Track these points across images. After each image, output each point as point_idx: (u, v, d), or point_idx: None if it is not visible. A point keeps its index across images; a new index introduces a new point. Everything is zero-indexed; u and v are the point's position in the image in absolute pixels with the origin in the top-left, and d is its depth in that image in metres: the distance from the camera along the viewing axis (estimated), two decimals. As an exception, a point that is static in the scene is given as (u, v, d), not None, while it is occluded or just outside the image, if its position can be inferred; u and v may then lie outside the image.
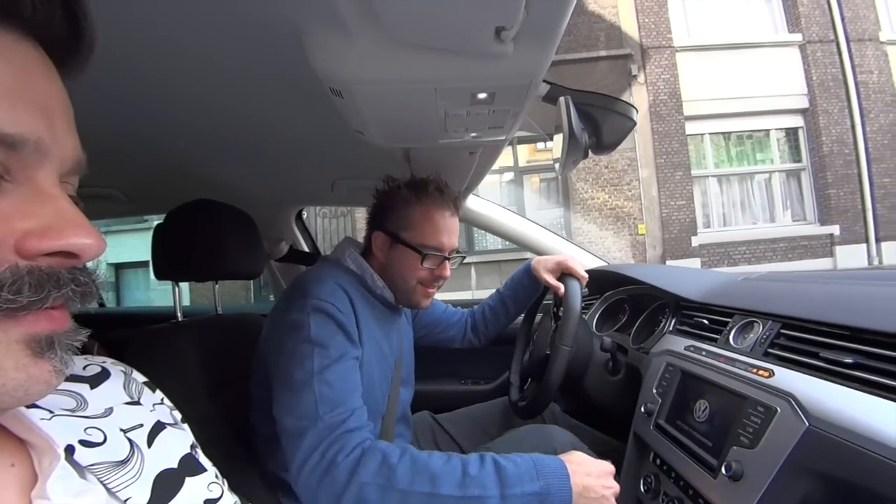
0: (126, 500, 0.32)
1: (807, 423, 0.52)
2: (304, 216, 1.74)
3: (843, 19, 6.73)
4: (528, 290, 1.17)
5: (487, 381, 1.48)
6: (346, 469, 0.66)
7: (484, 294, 1.30)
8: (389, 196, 0.93)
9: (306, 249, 1.72)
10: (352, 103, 0.67)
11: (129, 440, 0.36)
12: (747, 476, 0.56)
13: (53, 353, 0.27)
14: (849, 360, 0.54)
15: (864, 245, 6.62)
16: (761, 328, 0.69)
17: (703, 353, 0.75)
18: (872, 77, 6.75)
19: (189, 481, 0.38)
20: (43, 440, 0.30)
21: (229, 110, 0.80)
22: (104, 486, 0.32)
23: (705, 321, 0.82)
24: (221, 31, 0.57)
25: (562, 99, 0.69)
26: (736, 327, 0.74)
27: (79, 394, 0.36)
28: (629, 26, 6.83)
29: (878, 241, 6.61)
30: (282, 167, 1.13)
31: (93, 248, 0.28)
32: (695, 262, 6.59)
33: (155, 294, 7.93)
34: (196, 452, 0.42)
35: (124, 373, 0.42)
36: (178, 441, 0.40)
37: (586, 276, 1.05)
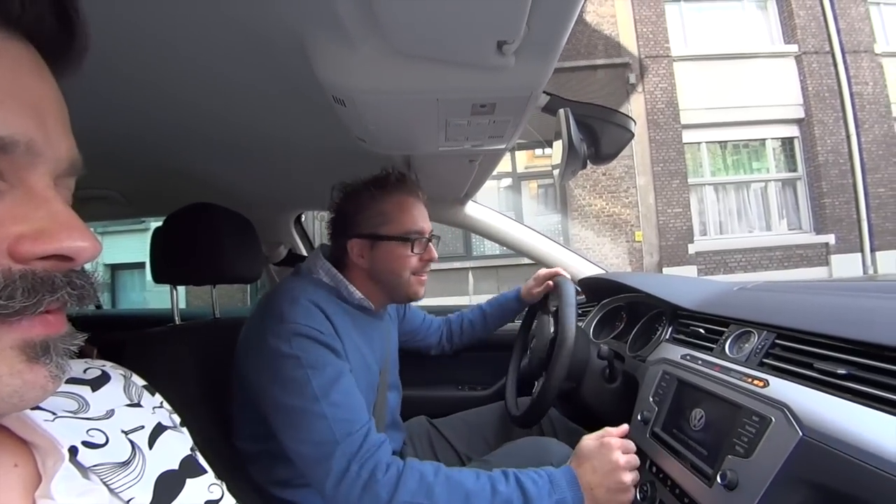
0: (129, 501, 0.33)
1: (800, 433, 0.52)
2: (303, 220, 1.75)
3: (838, 31, 6.80)
4: (512, 311, 1.25)
5: (484, 386, 1.48)
6: (387, 487, 0.68)
7: (481, 300, 1.31)
8: (353, 200, 0.90)
9: (305, 253, 1.72)
10: (354, 112, 0.67)
11: (131, 441, 0.36)
12: (742, 485, 0.56)
13: (49, 359, 0.27)
14: (842, 372, 0.54)
15: (859, 254, 6.67)
16: (756, 338, 0.70)
17: (699, 362, 0.75)
18: (867, 88, 6.82)
19: (190, 482, 0.38)
20: (46, 441, 0.31)
21: (230, 115, 0.80)
22: (107, 486, 0.32)
23: (701, 330, 0.82)
24: (224, 37, 0.57)
25: (561, 111, 0.70)
26: (731, 337, 0.74)
27: (80, 396, 0.36)
28: (627, 36, 6.89)
29: (872, 250, 6.65)
30: (282, 172, 1.13)
31: (88, 251, 0.28)
32: (691, 270, 6.62)
33: (151, 295, 7.88)
34: (196, 454, 0.42)
35: (124, 376, 0.42)
36: (179, 443, 0.41)
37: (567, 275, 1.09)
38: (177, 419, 0.44)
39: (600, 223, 6.79)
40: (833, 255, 6.65)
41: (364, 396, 0.81)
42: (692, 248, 6.71)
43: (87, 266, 0.30)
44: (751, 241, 6.82)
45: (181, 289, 1.06)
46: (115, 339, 0.99)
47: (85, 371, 0.39)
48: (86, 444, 0.33)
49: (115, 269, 8.45)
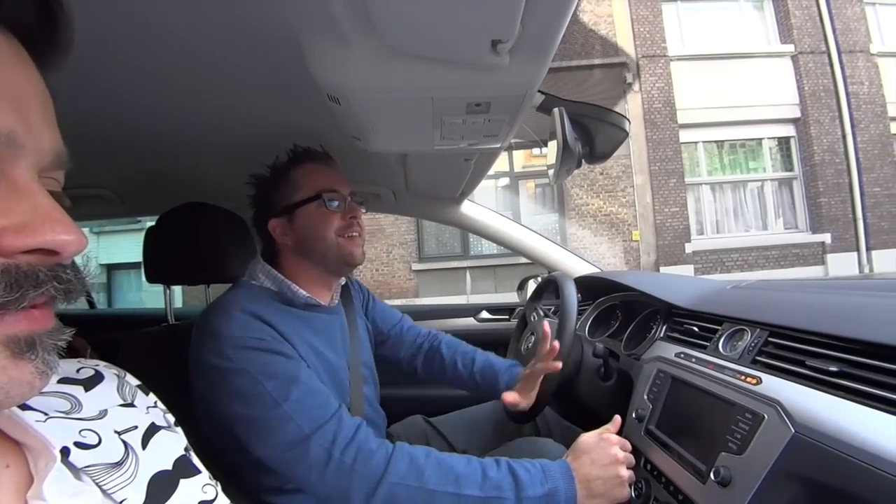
0: (121, 502, 0.32)
1: (793, 430, 0.53)
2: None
3: (834, 31, 6.83)
4: (496, 391, 1.01)
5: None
6: (376, 469, 0.68)
7: (478, 299, 1.30)
8: (264, 185, 0.90)
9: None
10: (349, 110, 0.67)
11: (124, 442, 0.36)
12: (735, 481, 0.57)
13: (35, 354, 0.26)
14: (834, 369, 0.55)
15: (854, 253, 6.70)
16: (749, 336, 0.70)
17: (693, 359, 0.76)
18: (863, 88, 6.85)
19: (184, 483, 0.38)
20: (38, 442, 0.30)
21: (224, 113, 0.80)
22: (99, 487, 0.32)
23: (695, 328, 0.83)
24: (219, 35, 0.57)
25: (556, 110, 0.71)
26: (725, 335, 0.75)
27: (73, 396, 0.36)
28: (624, 35, 6.91)
29: (868, 249, 6.69)
30: None
31: (72, 245, 0.27)
32: (688, 269, 6.64)
33: (147, 295, 7.86)
34: (190, 454, 0.42)
35: (118, 376, 0.42)
36: (173, 443, 0.41)
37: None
38: (171, 419, 0.44)
39: (597, 222, 6.81)
40: (829, 255, 6.68)
41: (334, 395, 0.79)
42: (689, 248, 6.73)
43: (79, 261, 0.30)
44: (747, 240, 6.85)
45: (177, 288, 1.06)
46: (110, 338, 0.99)
47: (78, 371, 0.39)
48: (78, 444, 0.33)
49: (111, 268, 8.40)
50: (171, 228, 0.97)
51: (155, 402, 0.44)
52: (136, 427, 0.38)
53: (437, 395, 1.42)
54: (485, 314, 1.64)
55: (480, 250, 6.82)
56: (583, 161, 0.75)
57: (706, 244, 6.83)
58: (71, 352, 0.32)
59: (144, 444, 0.37)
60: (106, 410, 0.37)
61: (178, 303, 6.01)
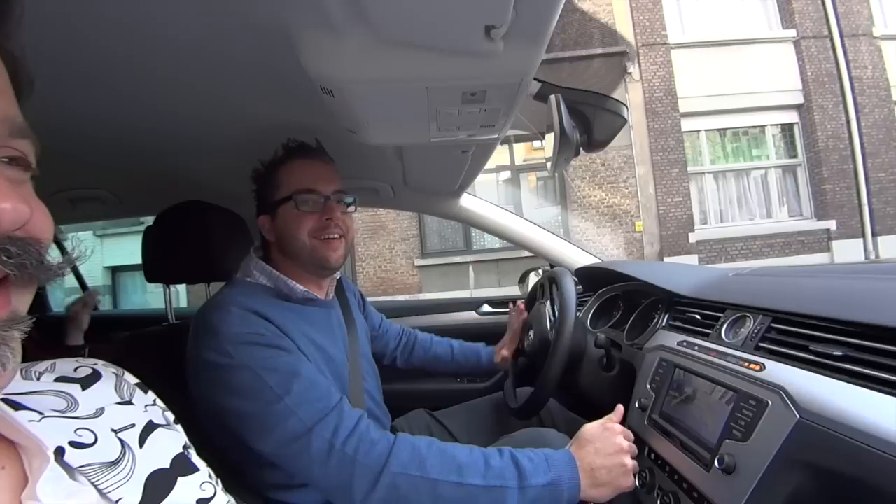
0: (118, 501, 0.32)
1: (797, 416, 0.52)
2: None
3: (836, 15, 6.75)
4: (479, 366, 1.23)
5: (483, 378, 1.48)
6: (379, 459, 0.67)
7: (482, 293, 1.31)
8: (258, 180, 0.90)
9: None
10: (343, 102, 0.67)
11: (121, 440, 0.36)
12: (740, 469, 0.56)
13: None
14: (838, 353, 0.54)
15: (860, 239, 6.65)
16: (752, 322, 0.69)
17: (696, 348, 0.75)
18: (867, 72, 6.77)
19: (181, 481, 0.38)
20: (32, 442, 0.30)
21: (219, 110, 0.80)
22: (95, 487, 0.32)
23: (697, 316, 0.82)
24: (211, 31, 0.57)
25: (552, 97, 0.70)
26: (727, 322, 0.74)
27: (70, 394, 0.36)
28: (624, 23, 6.84)
29: (874, 235, 6.64)
30: None
31: (8, 214, 0.25)
32: (692, 259, 6.61)
33: (152, 297, 7.90)
34: (189, 452, 0.42)
35: (116, 374, 0.42)
36: (171, 441, 0.40)
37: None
38: (170, 416, 0.44)
39: (600, 214, 6.78)
40: (834, 241, 6.64)
41: (335, 387, 0.79)
42: (693, 237, 6.70)
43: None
44: (751, 228, 6.81)
45: (181, 288, 1.06)
46: (111, 338, 0.99)
47: (76, 370, 0.39)
48: (73, 444, 0.32)
49: (115, 271, 8.45)
50: (169, 227, 0.97)
51: (154, 401, 0.44)
52: (133, 425, 0.38)
53: (441, 388, 1.43)
54: (486, 308, 1.63)
55: (483, 244, 6.82)
56: (581, 149, 0.75)
57: (710, 233, 6.80)
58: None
59: (142, 442, 0.37)
60: (103, 408, 0.37)
61: (182, 302, 6.09)
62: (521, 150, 6.99)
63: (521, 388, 1.13)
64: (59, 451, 0.31)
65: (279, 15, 0.53)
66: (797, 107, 6.87)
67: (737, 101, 6.79)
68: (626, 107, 0.76)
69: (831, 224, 6.65)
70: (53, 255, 0.29)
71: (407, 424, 1.13)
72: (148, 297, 7.93)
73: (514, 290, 1.70)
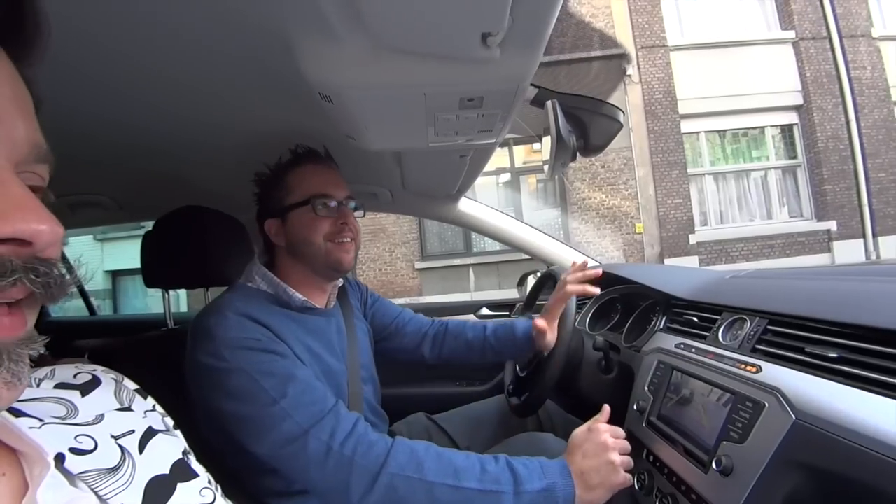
0: None
1: (793, 417, 0.53)
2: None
3: (835, 16, 6.76)
4: (517, 347, 1.05)
5: (482, 381, 1.48)
6: (376, 460, 0.68)
7: (482, 295, 1.31)
8: (263, 184, 0.90)
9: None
10: (342, 108, 0.67)
11: (120, 447, 0.36)
12: (737, 470, 0.57)
13: (0, 365, 0.25)
14: (833, 355, 0.55)
15: (861, 240, 6.64)
16: (749, 325, 0.70)
17: (693, 350, 0.76)
18: (866, 73, 6.77)
19: (181, 487, 0.38)
20: (32, 449, 0.30)
21: (218, 116, 0.80)
22: (95, 493, 0.32)
23: (695, 319, 0.83)
24: (210, 36, 0.57)
25: (549, 103, 0.70)
26: (724, 324, 0.75)
27: (69, 401, 0.36)
28: (623, 26, 6.86)
29: (874, 235, 6.63)
30: None
31: (46, 234, 0.26)
32: (693, 261, 6.60)
33: (153, 301, 7.91)
34: (188, 458, 0.42)
35: (115, 380, 0.42)
36: (171, 447, 0.40)
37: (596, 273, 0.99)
38: (170, 422, 0.44)
39: (600, 216, 6.78)
40: (835, 242, 6.63)
41: (331, 392, 0.79)
42: (693, 239, 6.70)
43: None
44: (752, 229, 6.80)
45: (182, 293, 1.06)
46: (109, 344, 1.00)
47: (75, 376, 0.39)
48: (73, 450, 0.33)
49: (115, 275, 8.45)
50: (168, 232, 0.98)
51: (153, 406, 0.44)
52: (132, 431, 0.38)
53: (439, 392, 1.43)
54: (485, 311, 1.64)
55: (483, 247, 6.82)
56: (577, 154, 0.75)
57: (710, 235, 6.79)
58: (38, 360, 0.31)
59: (141, 448, 0.37)
60: (102, 415, 0.37)
61: (183, 307, 6.09)
62: (520, 152, 7.00)
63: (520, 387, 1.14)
64: (60, 458, 0.31)
65: (279, 21, 0.53)
66: (797, 108, 6.87)
67: (736, 103, 6.79)
68: (623, 112, 0.76)
69: (832, 225, 6.64)
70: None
71: (406, 428, 1.13)
72: (149, 301, 7.94)
73: (514, 293, 1.70)
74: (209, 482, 0.42)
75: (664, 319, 0.91)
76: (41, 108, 0.31)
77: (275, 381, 0.71)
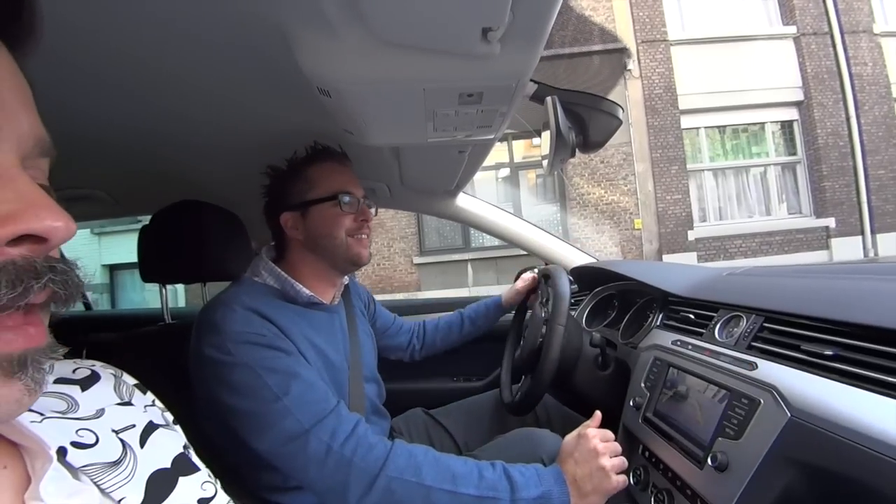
0: (120, 501, 0.33)
1: (789, 414, 0.53)
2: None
3: (836, 11, 6.72)
4: (489, 318, 1.28)
5: (479, 377, 1.49)
6: (375, 462, 0.68)
7: (481, 291, 1.32)
8: (280, 178, 0.91)
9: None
10: (340, 103, 0.67)
11: (122, 441, 0.36)
12: (732, 466, 0.57)
13: (25, 373, 0.26)
14: (829, 352, 0.55)
15: (859, 237, 6.65)
16: (745, 322, 0.70)
17: (690, 347, 0.76)
18: (867, 69, 6.75)
19: (183, 481, 0.38)
20: (34, 443, 0.30)
21: (216, 110, 0.80)
22: (97, 486, 0.32)
23: (691, 316, 0.83)
24: (207, 29, 0.57)
25: (549, 99, 0.70)
26: (721, 321, 0.75)
27: (69, 396, 0.36)
28: (623, 20, 6.82)
29: (873, 232, 6.64)
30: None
31: (61, 231, 0.26)
32: (691, 257, 6.61)
33: (150, 295, 7.90)
34: (189, 452, 0.42)
35: (114, 375, 0.42)
36: (171, 441, 0.41)
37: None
38: (169, 417, 0.44)
39: (599, 212, 6.78)
40: (833, 239, 6.64)
41: (332, 391, 0.80)
42: (692, 235, 6.70)
43: (86, 267, 0.29)
44: (751, 226, 6.80)
45: (180, 288, 1.06)
46: (107, 339, 1.00)
47: (74, 371, 0.39)
48: (75, 444, 0.33)
49: (113, 269, 8.42)
50: (165, 227, 0.97)
51: (153, 401, 0.44)
52: (133, 426, 0.38)
53: (437, 387, 1.43)
54: None
55: (482, 242, 6.81)
56: (577, 150, 0.75)
57: (709, 231, 6.79)
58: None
59: (142, 442, 0.37)
60: (103, 409, 0.37)
61: (181, 302, 6.08)
62: (520, 147, 6.97)
63: (516, 385, 1.14)
64: (62, 451, 0.31)
65: (276, 15, 0.53)
66: (797, 104, 6.85)
67: (736, 99, 6.77)
68: (622, 108, 0.76)
69: (830, 222, 6.64)
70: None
71: (405, 424, 1.14)
72: (147, 295, 7.94)
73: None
74: (209, 476, 0.42)
75: (661, 316, 0.92)
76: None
77: (278, 378, 0.71)
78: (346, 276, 0.98)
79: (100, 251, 8.10)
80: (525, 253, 1.54)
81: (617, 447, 0.75)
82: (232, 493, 0.45)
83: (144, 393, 0.44)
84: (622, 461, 0.74)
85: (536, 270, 1.25)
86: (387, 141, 0.87)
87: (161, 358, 0.87)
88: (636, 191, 6.77)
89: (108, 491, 0.32)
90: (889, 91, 6.75)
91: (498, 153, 6.87)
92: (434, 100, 0.68)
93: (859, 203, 6.65)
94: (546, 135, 0.74)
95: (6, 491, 0.29)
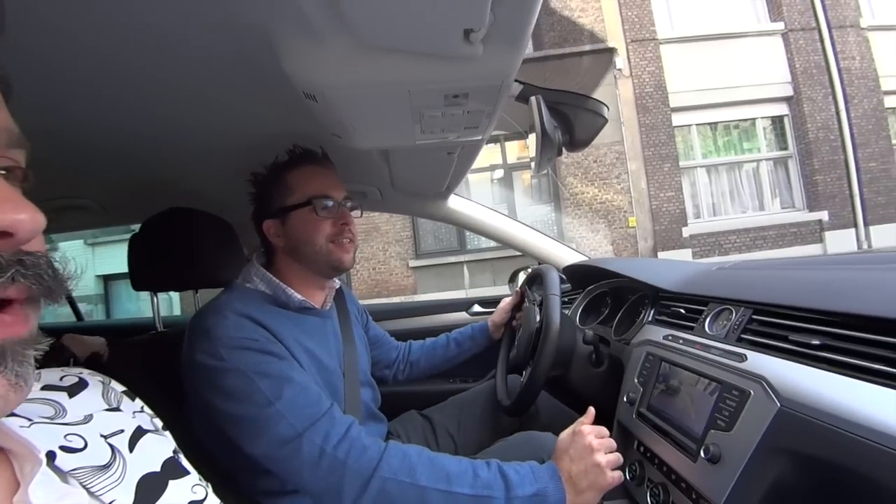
0: (111, 503, 0.33)
1: (778, 405, 0.53)
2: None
3: (824, 6, 6.79)
4: (475, 341, 1.26)
5: (475, 378, 1.49)
6: (369, 464, 0.68)
7: (477, 292, 1.32)
8: (262, 183, 0.91)
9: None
10: (327, 107, 0.67)
11: (111, 445, 0.36)
12: (725, 458, 0.58)
13: (3, 366, 0.25)
14: (816, 342, 0.55)
15: (852, 230, 6.70)
16: (735, 315, 0.71)
17: (681, 341, 0.76)
18: (855, 63, 6.82)
19: (172, 484, 0.38)
20: (23, 447, 0.31)
21: (203, 116, 0.79)
22: (87, 489, 0.32)
23: (682, 310, 0.84)
24: (193, 35, 0.57)
25: (533, 98, 0.70)
26: (710, 315, 0.75)
27: (57, 402, 0.37)
28: (612, 20, 6.87)
29: (866, 225, 6.69)
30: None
31: (26, 224, 0.26)
32: (686, 254, 6.64)
33: (146, 304, 7.86)
34: (179, 457, 0.42)
35: (102, 382, 0.42)
36: (161, 446, 0.41)
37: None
38: (158, 423, 0.44)
39: (593, 211, 6.80)
40: (827, 232, 6.69)
41: (326, 395, 0.79)
42: (686, 232, 6.74)
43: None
44: (744, 221, 6.85)
45: (175, 296, 1.06)
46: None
47: (61, 378, 0.40)
48: (64, 448, 0.33)
49: (107, 279, 8.37)
50: (156, 234, 0.97)
51: (142, 408, 0.44)
52: (122, 431, 0.38)
53: (433, 389, 1.43)
54: (477, 308, 1.64)
55: (477, 244, 6.82)
56: (563, 149, 0.75)
57: (703, 227, 6.83)
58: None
59: (132, 447, 0.38)
60: (91, 415, 0.37)
61: (176, 310, 6.05)
62: (513, 148, 7.00)
63: (512, 386, 1.14)
64: (51, 455, 0.31)
65: (261, 21, 0.53)
66: (787, 99, 6.91)
67: (727, 95, 6.83)
68: (607, 107, 0.77)
69: (823, 215, 6.69)
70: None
71: (402, 427, 1.14)
72: (142, 305, 7.90)
73: (508, 290, 1.71)
74: (200, 480, 0.42)
75: (652, 312, 0.92)
76: (9, 94, 0.30)
77: (270, 383, 0.71)
78: (335, 280, 0.98)
79: (93, 261, 8.04)
80: (520, 254, 1.55)
81: (612, 443, 0.75)
82: (229, 500, 0.45)
83: (133, 399, 0.44)
84: (617, 457, 0.74)
85: (530, 269, 1.26)
86: (375, 144, 0.87)
87: (152, 366, 0.87)
88: (630, 189, 6.80)
89: (97, 494, 0.32)
90: (877, 84, 6.83)
91: (491, 155, 6.88)
92: (420, 101, 0.68)
93: (851, 196, 6.70)
94: (533, 134, 0.74)
95: None
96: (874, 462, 0.43)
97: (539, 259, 1.49)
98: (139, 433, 0.39)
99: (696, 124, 7.01)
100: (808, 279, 0.69)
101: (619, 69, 6.76)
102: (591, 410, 0.79)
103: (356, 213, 0.95)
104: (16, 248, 0.26)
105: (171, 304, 6.06)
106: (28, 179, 0.29)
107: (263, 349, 0.74)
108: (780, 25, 6.85)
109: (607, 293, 1.17)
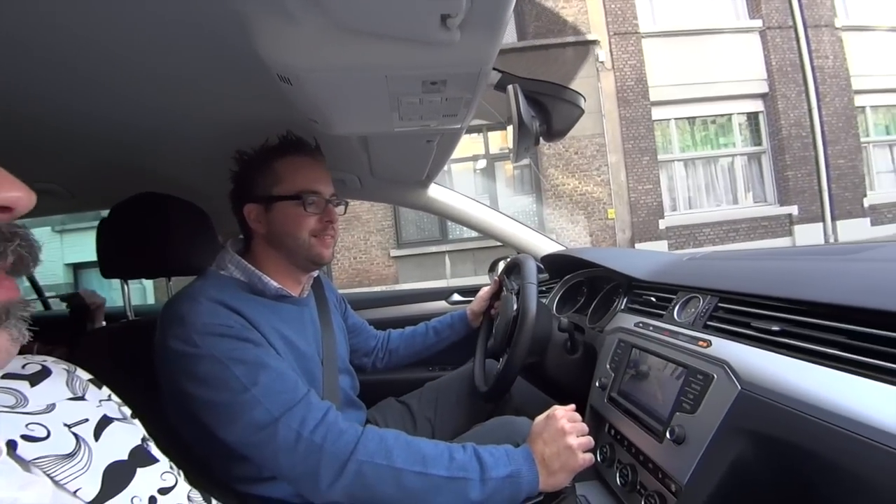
0: (76, 492, 0.33)
1: (739, 387, 0.56)
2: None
3: (800, 6, 6.94)
4: (454, 329, 1.27)
5: (454, 366, 1.50)
6: (345, 447, 0.68)
7: (458, 282, 1.32)
8: (248, 165, 0.88)
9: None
10: (301, 91, 0.66)
11: (75, 434, 0.36)
12: (689, 439, 0.60)
13: (10, 323, 0.29)
14: (776, 328, 0.58)
15: (820, 224, 6.94)
16: (702, 302, 0.73)
17: (651, 328, 0.79)
18: (828, 62, 7.01)
19: (141, 472, 0.38)
20: None
21: (177, 100, 0.77)
22: (51, 478, 0.32)
23: (653, 299, 0.86)
24: (163, 16, 0.55)
25: (510, 87, 0.70)
26: (679, 303, 0.78)
27: (18, 391, 0.36)
28: (595, 12, 6.89)
29: (833, 219, 6.93)
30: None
31: (23, 200, 0.29)
32: (662, 245, 6.79)
33: (117, 294, 7.64)
34: (148, 445, 0.42)
35: (67, 371, 0.41)
36: (128, 434, 0.41)
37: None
38: (127, 411, 0.44)
39: (573, 202, 6.88)
40: (796, 226, 6.91)
41: (303, 381, 0.79)
42: (663, 224, 6.88)
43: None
44: (718, 214, 7.03)
45: (148, 285, 1.03)
46: (67, 336, 0.96)
47: (24, 367, 0.39)
48: (25, 437, 0.33)
49: (77, 268, 8.07)
50: (126, 220, 0.94)
51: (109, 396, 0.44)
52: (86, 420, 0.38)
53: (412, 377, 1.43)
54: (456, 297, 1.65)
55: (459, 234, 6.83)
56: (540, 138, 0.76)
57: (679, 220, 6.99)
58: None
59: (97, 435, 0.38)
60: (54, 404, 0.37)
61: (150, 299, 5.90)
62: (496, 138, 7.00)
63: (489, 362, 1.16)
64: (11, 445, 0.31)
65: (231, 2, 0.52)
66: (762, 96, 7.08)
67: (705, 90, 6.95)
68: (584, 97, 0.77)
69: (793, 209, 6.91)
70: None
71: (380, 414, 1.14)
72: (114, 294, 7.68)
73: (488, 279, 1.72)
74: (171, 467, 0.42)
75: (625, 300, 0.94)
76: None
77: (245, 369, 0.70)
78: (313, 271, 0.96)
79: (62, 249, 7.76)
80: (502, 244, 1.56)
81: (584, 427, 0.77)
82: (204, 486, 0.45)
83: (100, 388, 0.43)
84: (588, 440, 0.76)
85: (510, 259, 1.27)
86: (353, 130, 0.86)
87: (123, 354, 0.85)
88: (609, 181, 6.89)
89: (62, 483, 0.32)
90: (849, 84, 7.04)
91: (474, 145, 6.88)
92: (398, 88, 0.67)
93: (820, 191, 6.94)
94: (510, 124, 0.75)
95: None
96: (827, 442, 0.45)
97: (518, 249, 1.51)
98: (105, 422, 0.39)
99: (675, 118, 7.13)
100: (772, 269, 0.71)
101: (602, 62, 6.80)
102: (572, 406, 0.80)
103: (340, 208, 0.94)
104: (10, 222, 0.29)
105: (145, 293, 5.94)
106: None
107: (238, 336, 0.73)
108: (758, 23, 6.98)
109: (583, 282, 1.19)
